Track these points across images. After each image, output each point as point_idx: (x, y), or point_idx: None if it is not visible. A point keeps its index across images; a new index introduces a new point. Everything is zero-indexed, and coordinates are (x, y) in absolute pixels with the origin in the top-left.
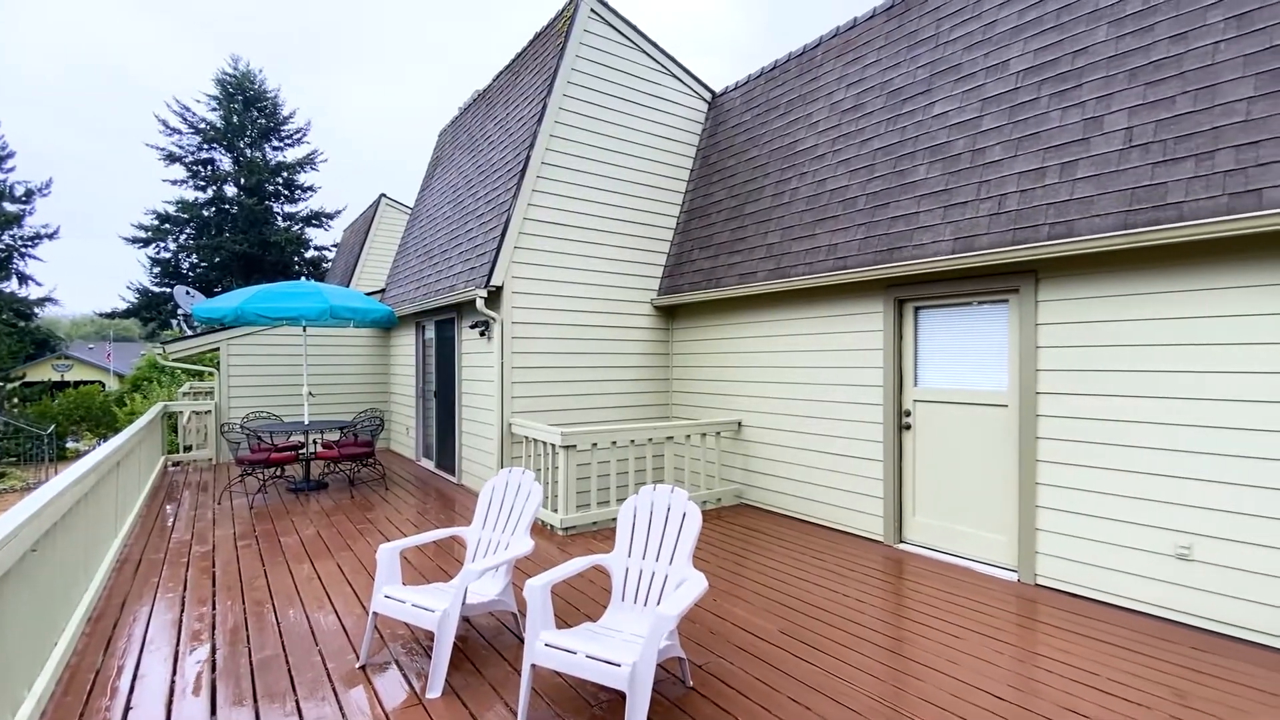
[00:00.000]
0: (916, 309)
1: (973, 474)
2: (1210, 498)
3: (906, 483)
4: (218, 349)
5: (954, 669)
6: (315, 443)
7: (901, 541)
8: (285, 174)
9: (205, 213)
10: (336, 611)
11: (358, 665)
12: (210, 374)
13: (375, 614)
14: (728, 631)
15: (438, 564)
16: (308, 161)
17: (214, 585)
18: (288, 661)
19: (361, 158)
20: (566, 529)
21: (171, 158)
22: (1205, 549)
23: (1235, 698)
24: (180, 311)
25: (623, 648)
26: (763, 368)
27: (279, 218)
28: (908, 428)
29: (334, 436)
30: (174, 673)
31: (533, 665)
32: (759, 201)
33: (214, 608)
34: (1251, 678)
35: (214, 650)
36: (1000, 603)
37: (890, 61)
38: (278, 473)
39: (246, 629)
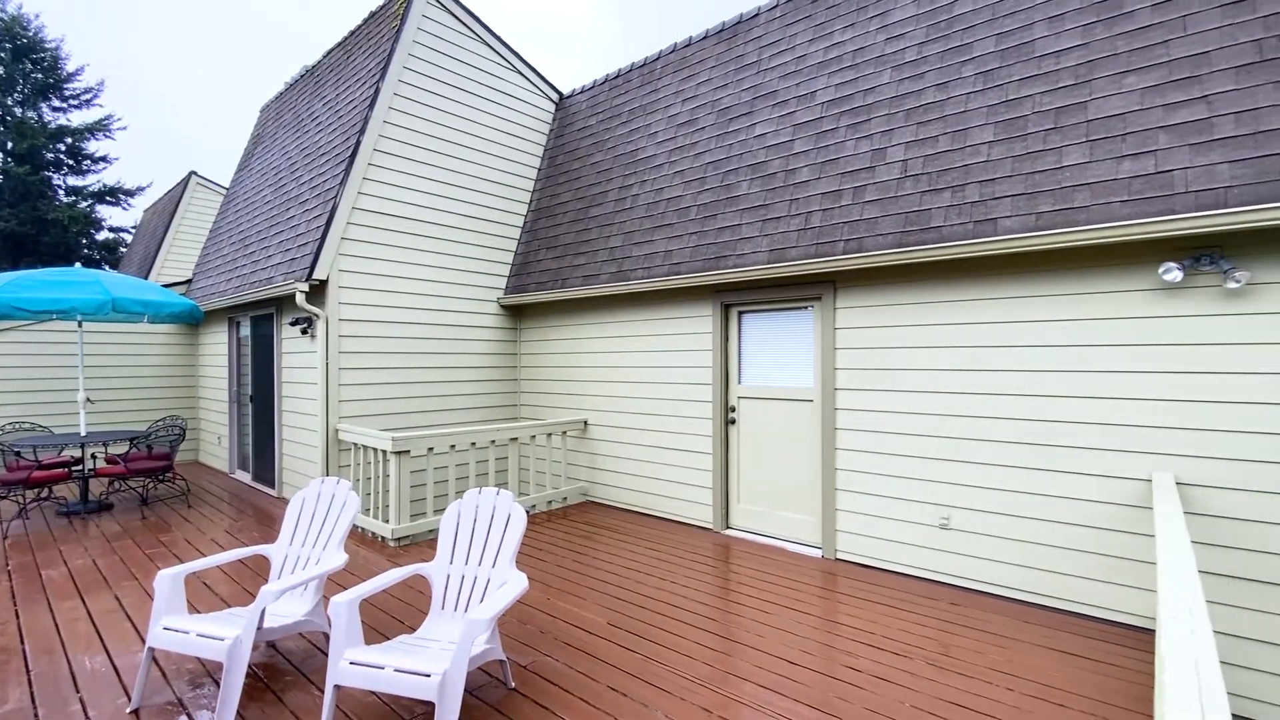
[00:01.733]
0: (740, 313)
1: (787, 462)
2: (964, 475)
3: (732, 473)
4: None
5: (761, 641)
6: (95, 458)
7: (729, 528)
8: (70, 140)
9: None
10: (108, 652)
11: (129, 710)
12: None
13: (152, 649)
14: (558, 629)
15: (245, 588)
16: (100, 127)
17: None
18: (36, 716)
19: (174, 128)
20: (399, 539)
21: None
22: (960, 519)
23: (978, 642)
24: None
25: (436, 657)
26: (607, 367)
27: (61, 191)
28: (733, 422)
29: (122, 449)
30: None
31: (336, 686)
32: (603, 205)
33: None
34: (991, 624)
35: None
36: (806, 578)
37: (720, 82)
38: (43, 494)
39: None
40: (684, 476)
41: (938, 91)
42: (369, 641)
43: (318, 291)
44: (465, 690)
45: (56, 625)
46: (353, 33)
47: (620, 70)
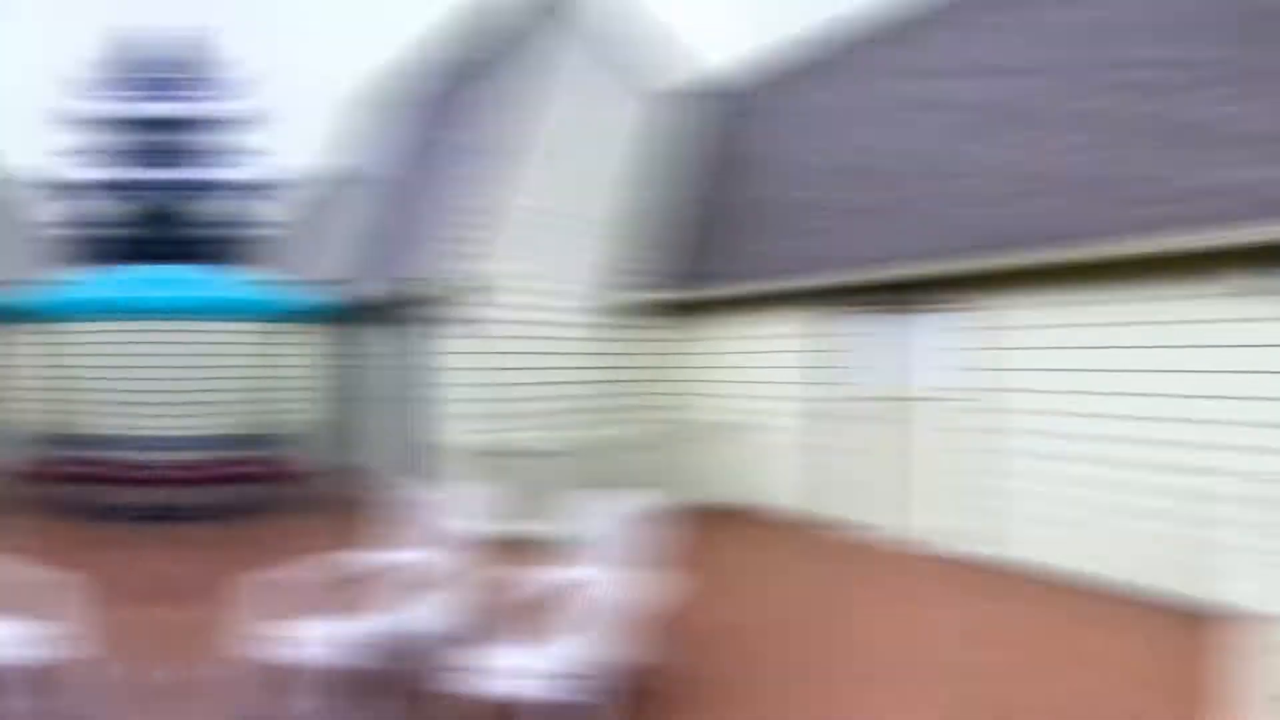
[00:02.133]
0: (900, 313)
1: (956, 465)
2: (1124, 476)
3: (900, 477)
4: None
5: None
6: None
7: (900, 533)
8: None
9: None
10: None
11: None
12: None
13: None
14: (708, 632)
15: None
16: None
17: None
18: None
19: (322, 117)
20: (541, 542)
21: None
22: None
23: None
24: None
25: (569, 659)
26: (767, 367)
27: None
28: (905, 423)
29: (230, 453)
30: None
31: (467, 689)
32: (773, 203)
33: None
34: None
35: None
36: (969, 582)
37: (890, 81)
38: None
39: None
40: (854, 481)
41: (1094, 98)
42: (503, 645)
43: (472, 290)
44: (597, 694)
45: None
46: (505, 27)
47: (783, 67)
